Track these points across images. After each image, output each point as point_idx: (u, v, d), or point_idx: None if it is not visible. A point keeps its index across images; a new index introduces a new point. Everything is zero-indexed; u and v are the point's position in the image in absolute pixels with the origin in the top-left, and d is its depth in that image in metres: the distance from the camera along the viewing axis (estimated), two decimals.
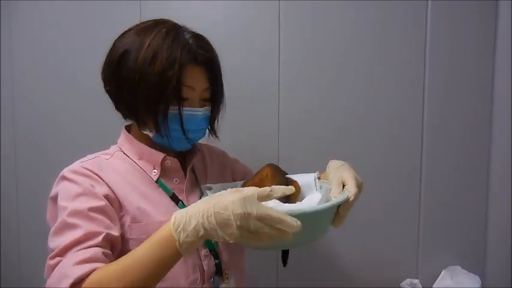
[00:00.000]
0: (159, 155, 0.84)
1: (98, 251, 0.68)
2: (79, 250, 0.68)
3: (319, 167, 0.90)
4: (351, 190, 0.75)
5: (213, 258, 0.84)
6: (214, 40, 0.85)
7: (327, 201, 0.73)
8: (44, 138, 1.29)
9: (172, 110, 0.79)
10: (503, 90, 1.25)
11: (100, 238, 0.70)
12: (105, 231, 0.71)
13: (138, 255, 0.65)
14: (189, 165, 0.89)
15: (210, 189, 0.85)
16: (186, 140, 0.82)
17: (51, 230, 0.74)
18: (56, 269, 0.67)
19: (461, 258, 1.30)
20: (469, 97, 1.29)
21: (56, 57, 1.27)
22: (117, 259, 0.69)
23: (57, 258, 0.68)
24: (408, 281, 1.29)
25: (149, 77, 0.77)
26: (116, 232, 0.73)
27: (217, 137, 0.93)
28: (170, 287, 0.76)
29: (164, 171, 0.85)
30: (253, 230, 0.61)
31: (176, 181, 0.86)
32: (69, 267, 0.65)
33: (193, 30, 0.84)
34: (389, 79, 1.28)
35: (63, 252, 0.68)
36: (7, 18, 1.27)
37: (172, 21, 0.84)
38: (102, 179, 0.78)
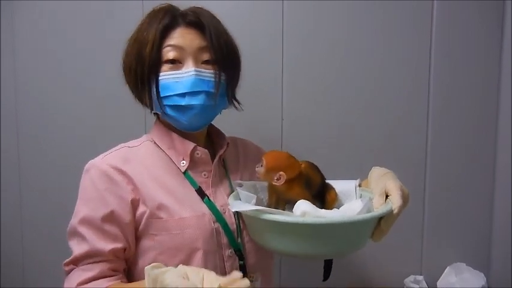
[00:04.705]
0: (190, 145, 0.81)
1: (105, 266, 0.73)
2: (87, 264, 0.74)
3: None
4: (395, 202, 0.68)
5: (237, 259, 0.80)
6: None
7: (369, 211, 0.68)
8: (47, 137, 1.29)
9: (161, 77, 0.78)
10: (509, 90, 1.24)
11: (107, 254, 0.73)
12: (112, 246, 0.73)
13: None
14: (216, 158, 0.85)
15: (240, 186, 0.82)
16: (161, 107, 0.78)
17: (68, 226, 0.78)
18: (67, 278, 0.75)
19: (466, 255, 1.30)
20: (474, 96, 1.28)
21: (58, 56, 1.27)
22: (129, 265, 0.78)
23: (71, 266, 0.75)
24: (412, 277, 1.29)
25: (132, 50, 0.78)
26: (121, 243, 0.75)
27: (235, 107, 0.88)
28: None
29: (193, 163, 0.82)
30: None
31: (205, 175, 0.83)
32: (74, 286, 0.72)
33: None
34: (394, 77, 1.27)
35: (75, 261, 0.75)
36: (10, 16, 1.26)
37: (168, 4, 0.83)
38: (125, 174, 0.77)
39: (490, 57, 1.27)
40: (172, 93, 0.77)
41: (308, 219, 0.65)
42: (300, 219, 0.66)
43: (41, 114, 1.29)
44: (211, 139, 0.91)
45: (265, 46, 1.25)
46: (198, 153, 0.82)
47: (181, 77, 0.77)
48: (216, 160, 0.85)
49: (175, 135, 0.83)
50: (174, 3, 0.84)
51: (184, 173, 0.81)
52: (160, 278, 0.59)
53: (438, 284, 1.28)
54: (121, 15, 1.23)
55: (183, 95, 0.76)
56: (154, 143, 0.84)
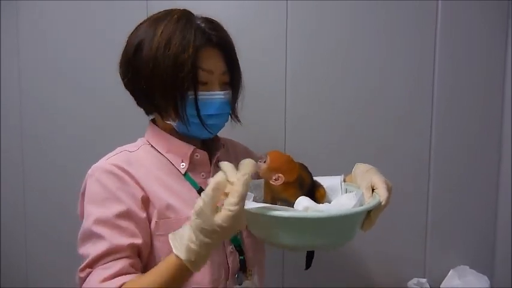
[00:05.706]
0: (189, 148, 0.84)
1: (125, 263, 0.71)
2: (107, 262, 0.71)
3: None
4: (382, 195, 0.75)
5: (237, 255, 0.84)
6: None
7: (361, 204, 0.74)
8: (50, 137, 1.29)
9: (191, 96, 0.78)
10: None
11: (126, 249, 0.72)
12: (130, 241, 0.73)
13: (159, 272, 0.67)
14: (213, 160, 0.88)
15: None
16: (204, 126, 0.81)
17: (78, 235, 0.76)
18: (85, 282, 0.71)
19: (469, 258, 1.29)
20: (478, 97, 1.27)
21: (62, 56, 1.27)
22: (144, 264, 0.76)
23: (87, 270, 0.72)
24: (415, 280, 1.28)
25: (164, 62, 0.76)
26: (139, 239, 0.74)
27: (239, 121, 0.91)
28: (195, 285, 0.77)
29: (192, 165, 0.85)
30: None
31: (203, 176, 0.86)
32: (97, 285, 0.68)
33: (205, 15, 0.83)
34: (398, 79, 1.27)
35: (92, 264, 0.71)
36: (14, 17, 1.27)
37: (183, 9, 0.83)
38: (131, 174, 0.78)
39: (495, 59, 1.26)
40: (202, 113, 0.80)
41: (313, 214, 0.70)
42: (304, 214, 0.71)
43: (45, 115, 1.30)
44: (206, 141, 0.93)
45: (268, 47, 1.25)
46: (197, 155, 0.85)
47: (213, 99, 0.81)
48: (213, 161, 0.88)
49: (173, 139, 0.85)
50: (179, 4, 0.84)
51: (184, 174, 0.83)
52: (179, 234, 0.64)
53: (442, 286, 1.27)
54: (126, 16, 1.22)
55: (210, 116, 0.81)
56: (151, 146, 0.86)
